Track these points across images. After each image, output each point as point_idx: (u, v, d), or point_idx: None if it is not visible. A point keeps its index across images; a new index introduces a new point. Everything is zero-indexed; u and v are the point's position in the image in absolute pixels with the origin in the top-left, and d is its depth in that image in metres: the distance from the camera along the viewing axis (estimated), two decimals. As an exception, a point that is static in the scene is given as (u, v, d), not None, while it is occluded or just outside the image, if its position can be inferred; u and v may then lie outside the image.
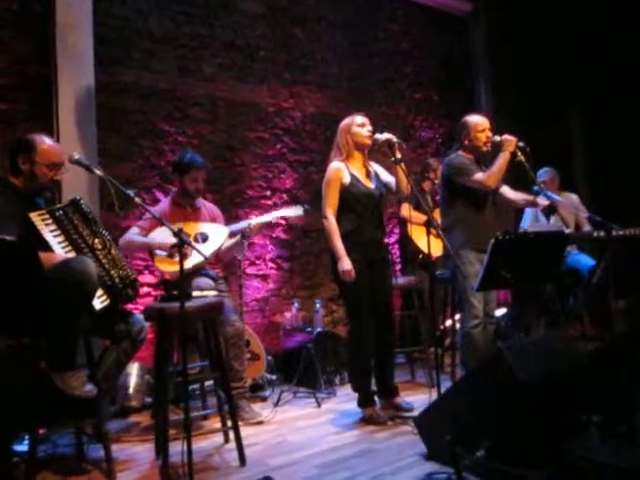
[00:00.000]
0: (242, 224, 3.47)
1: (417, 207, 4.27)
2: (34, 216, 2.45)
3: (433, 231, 4.36)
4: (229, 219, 3.96)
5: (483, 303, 3.28)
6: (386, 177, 3.29)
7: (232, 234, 3.47)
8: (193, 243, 3.04)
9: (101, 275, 2.47)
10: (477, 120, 3.40)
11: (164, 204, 3.48)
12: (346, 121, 3.24)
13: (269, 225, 4.48)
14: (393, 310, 3.32)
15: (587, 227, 4.66)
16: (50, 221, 2.47)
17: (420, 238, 4.36)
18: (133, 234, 3.24)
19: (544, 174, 4.74)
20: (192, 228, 3.25)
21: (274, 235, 4.69)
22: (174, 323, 2.50)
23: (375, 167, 3.33)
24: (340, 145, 3.23)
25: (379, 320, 3.21)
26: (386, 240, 3.45)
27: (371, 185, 3.21)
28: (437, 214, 4.26)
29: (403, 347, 4.28)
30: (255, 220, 3.38)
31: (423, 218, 4.37)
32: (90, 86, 3.74)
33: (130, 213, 3.89)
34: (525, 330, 4.23)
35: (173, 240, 2.30)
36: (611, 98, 5.91)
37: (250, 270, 4.54)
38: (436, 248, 4.29)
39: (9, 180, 2.54)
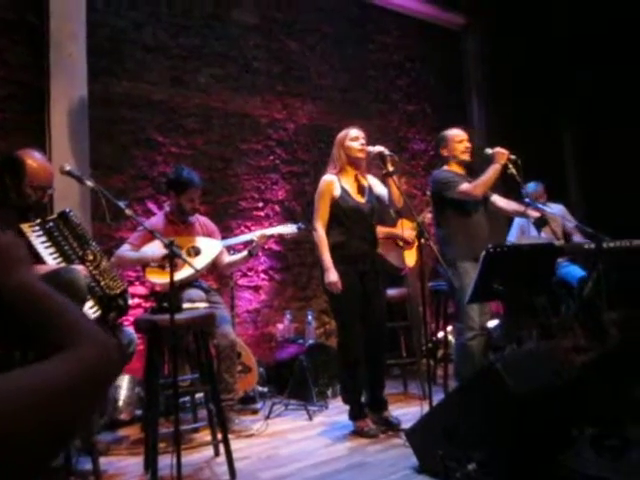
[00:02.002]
0: (239, 239, 3.48)
1: (381, 222, 4.24)
2: (25, 227, 2.44)
3: (400, 243, 4.38)
4: (222, 230, 3.96)
5: (480, 315, 3.28)
6: (380, 190, 3.30)
7: (228, 248, 3.49)
8: (185, 255, 3.03)
9: (92, 286, 2.46)
10: (454, 132, 3.49)
11: (157, 219, 3.45)
12: (341, 134, 3.26)
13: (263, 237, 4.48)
14: (385, 323, 3.32)
15: (577, 236, 4.68)
16: (41, 232, 2.47)
17: (384, 252, 4.32)
18: (125, 251, 3.23)
19: (534, 187, 4.77)
20: (185, 241, 3.25)
21: (267, 246, 4.68)
22: (164, 335, 2.48)
23: (371, 180, 3.33)
24: (334, 158, 3.26)
25: (371, 333, 3.20)
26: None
27: (362, 199, 3.22)
28: (404, 225, 4.24)
29: (396, 359, 4.27)
30: (259, 233, 3.38)
31: (386, 232, 4.37)
32: (83, 96, 3.74)
33: (122, 224, 3.88)
34: (517, 341, 4.22)
35: (164, 252, 2.29)
36: (603, 111, 5.96)
37: (242, 282, 4.53)
38: (404, 259, 4.29)
39: (1, 193, 2.54)
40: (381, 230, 4.12)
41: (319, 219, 3.18)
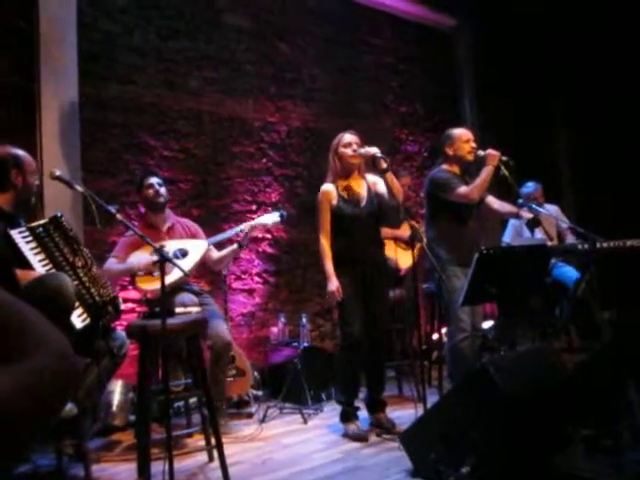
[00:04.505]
0: (228, 234, 3.47)
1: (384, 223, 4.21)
2: (15, 234, 2.41)
3: (402, 244, 4.36)
4: (215, 234, 3.94)
5: (470, 316, 3.27)
6: (382, 188, 3.24)
7: (216, 244, 3.47)
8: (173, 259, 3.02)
9: (82, 293, 2.44)
10: (461, 131, 3.44)
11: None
12: (334, 141, 3.26)
13: (255, 239, 4.47)
14: (386, 326, 3.34)
15: (570, 238, 4.69)
16: (30, 238, 2.44)
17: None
18: (111, 264, 3.23)
19: (533, 187, 4.76)
20: (168, 246, 3.23)
21: (260, 249, 4.67)
22: (156, 341, 2.46)
23: (371, 179, 3.30)
24: (330, 166, 3.27)
25: (372, 336, 3.20)
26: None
27: (360, 204, 3.21)
28: (405, 229, 4.23)
29: (391, 361, 4.26)
30: (247, 224, 3.37)
31: (386, 232, 4.34)
32: (74, 100, 3.72)
33: (114, 229, 3.85)
34: (511, 343, 4.22)
35: (151, 259, 2.28)
36: (597, 111, 5.98)
37: (236, 285, 4.51)
38: (405, 260, 4.27)
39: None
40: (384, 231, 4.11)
41: (321, 230, 3.22)
